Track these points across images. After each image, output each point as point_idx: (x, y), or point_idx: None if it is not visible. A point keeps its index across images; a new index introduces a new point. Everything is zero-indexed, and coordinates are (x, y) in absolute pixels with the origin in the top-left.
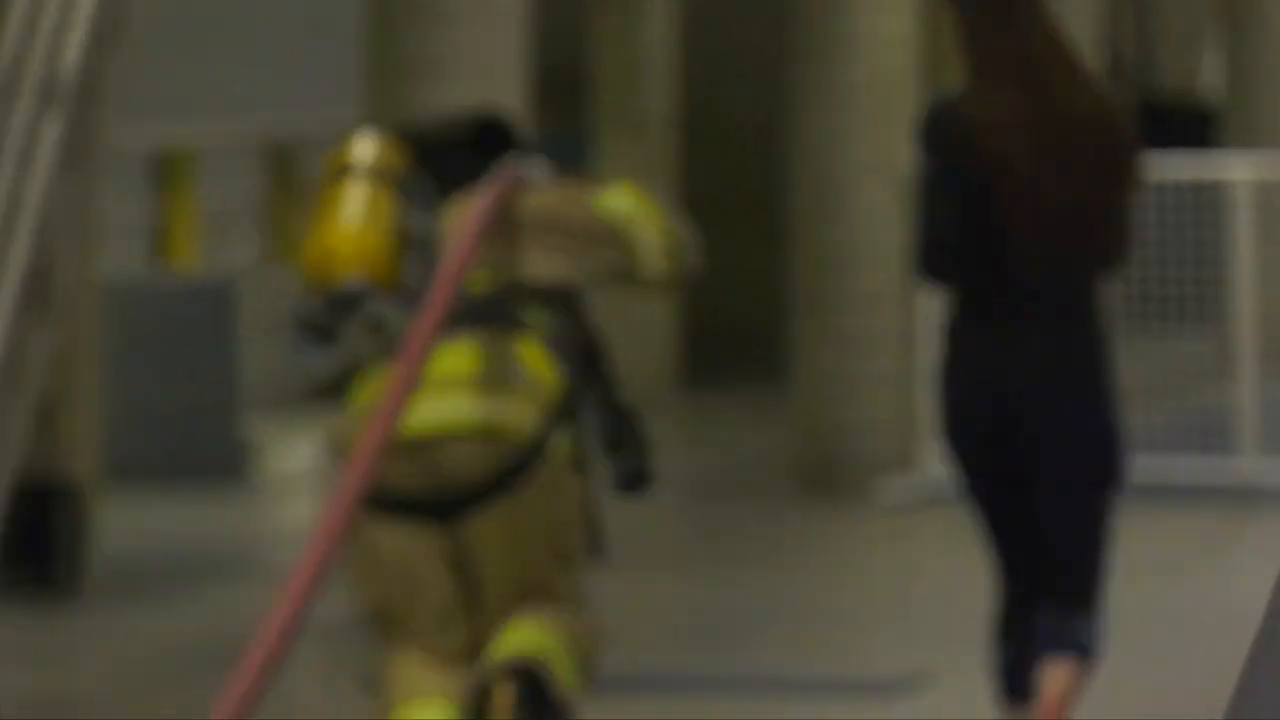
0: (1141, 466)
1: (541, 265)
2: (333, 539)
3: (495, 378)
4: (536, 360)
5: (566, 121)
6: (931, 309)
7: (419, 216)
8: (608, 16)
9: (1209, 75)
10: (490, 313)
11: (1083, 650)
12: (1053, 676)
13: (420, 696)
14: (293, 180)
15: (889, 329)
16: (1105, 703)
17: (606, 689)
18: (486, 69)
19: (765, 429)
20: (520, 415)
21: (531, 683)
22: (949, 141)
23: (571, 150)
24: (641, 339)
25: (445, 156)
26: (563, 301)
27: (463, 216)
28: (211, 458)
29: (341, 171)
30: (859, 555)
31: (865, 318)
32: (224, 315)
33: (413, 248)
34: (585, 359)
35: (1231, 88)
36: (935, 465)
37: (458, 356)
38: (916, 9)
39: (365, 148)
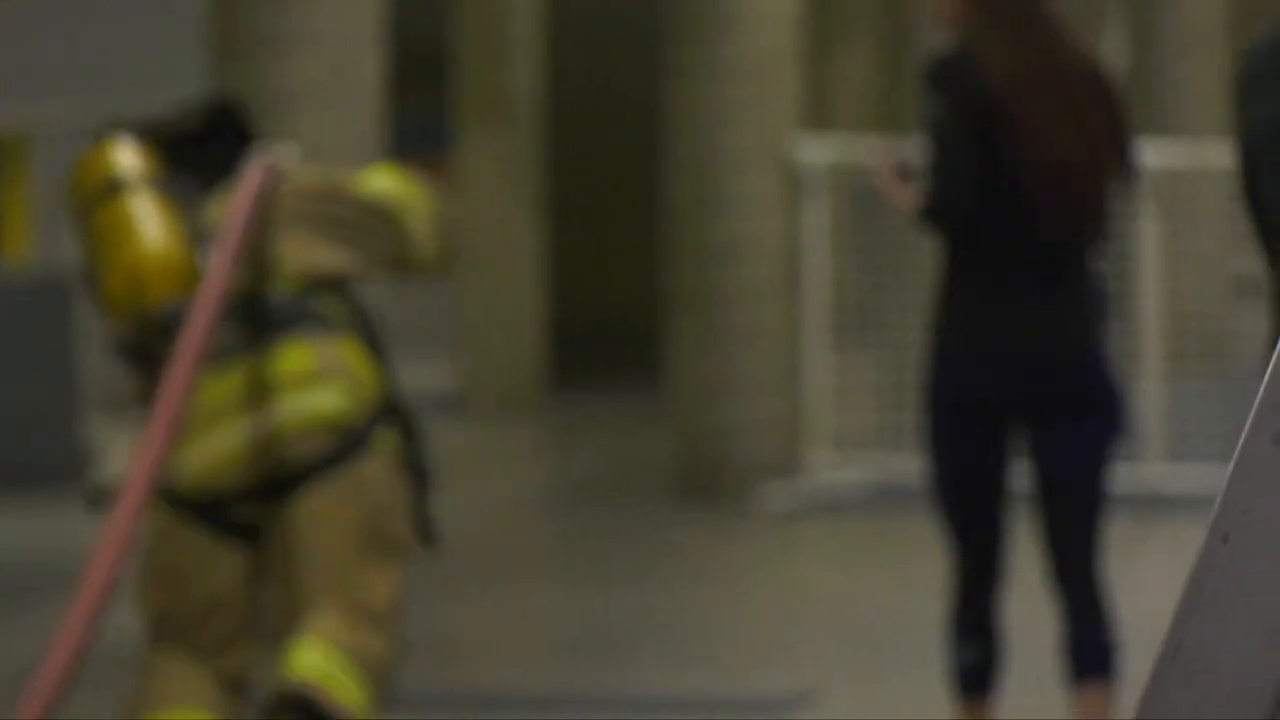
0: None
1: (323, 255)
2: (118, 554)
3: (333, 368)
4: (355, 357)
5: (427, 101)
6: (816, 305)
7: (195, 215)
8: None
9: (1109, 54)
10: (302, 311)
11: (1113, 669)
12: (1094, 702)
13: (177, 701)
14: None
15: (773, 327)
16: (1014, 712)
17: (477, 707)
18: (341, 44)
19: (643, 433)
20: (343, 406)
21: (310, 712)
22: (962, 90)
23: (432, 131)
24: (509, 337)
25: (183, 151)
26: (344, 290)
27: (223, 213)
28: (49, 463)
29: (108, 186)
30: (742, 565)
31: (748, 314)
32: (61, 311)
33: (201, 246)
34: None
35: (1134, 69)
36: (822, 470)
37: (297, 354)
38: None
39: (126, 156)
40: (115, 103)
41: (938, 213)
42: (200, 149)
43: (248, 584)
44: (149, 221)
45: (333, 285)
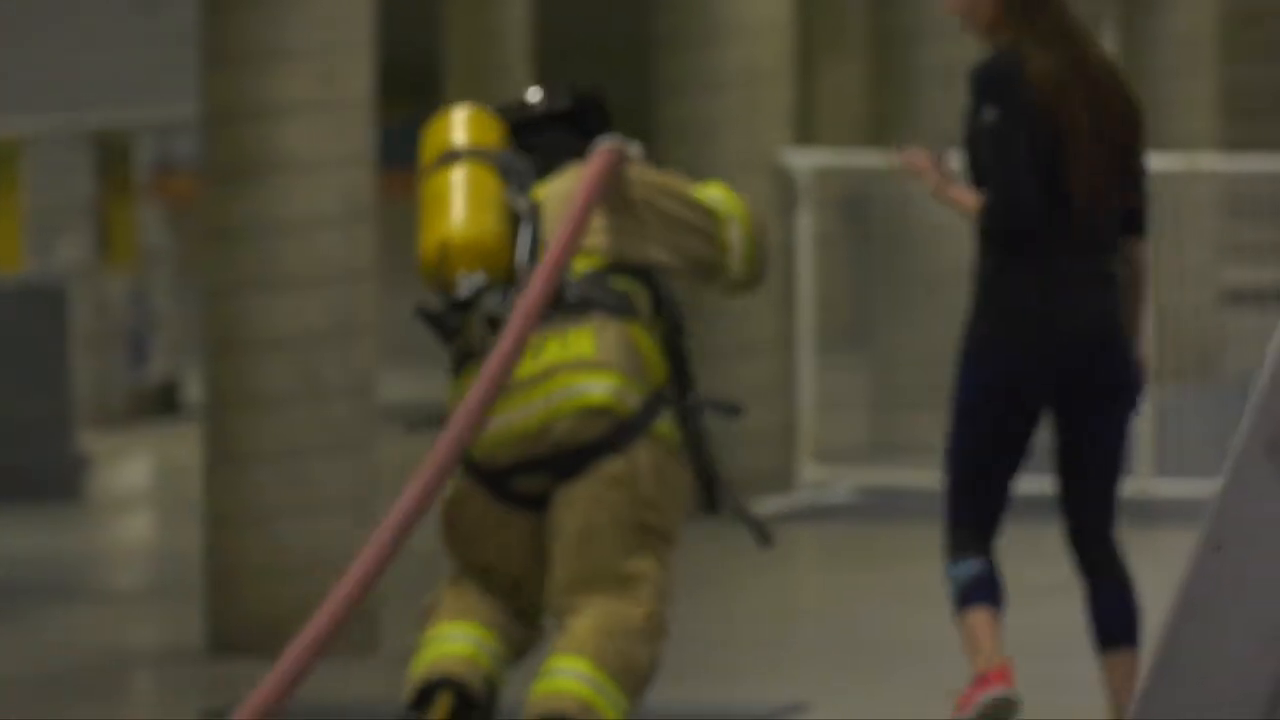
0: (1028, 482)
1: (639, 244)
2: (422, 506)
3: (610, 358)
4: (643, 344)
5: (418, 114)
6: (807, 318)
7: (520, 195)
8: (460, 2)
9: None
10: (600, 295)
11: (1139, 633)
12: (1125, 672)
13: (464, 616)
14: (126, 176)
15: (765, 337)
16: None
17: None
18: (332, 56)
19: None
20: (611, 396)
21: None
22: (1016, 96)
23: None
24: None
25: (539, 132)
26: (650, 277)
27: (569, 190)
28: (43, 474)
29: (441, 155)
30: (733, 575)
31: (739, 326)
32: (56, 318)
33: (520, 228)
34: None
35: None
36: (813, 480)
37: (576, 341)
38: None
39: (462, 127)
40: (106, 114)
41: (1008, 216)
42: (554, 133)
43: (535, 552)
44: (465, 197)
45: (638, 270)
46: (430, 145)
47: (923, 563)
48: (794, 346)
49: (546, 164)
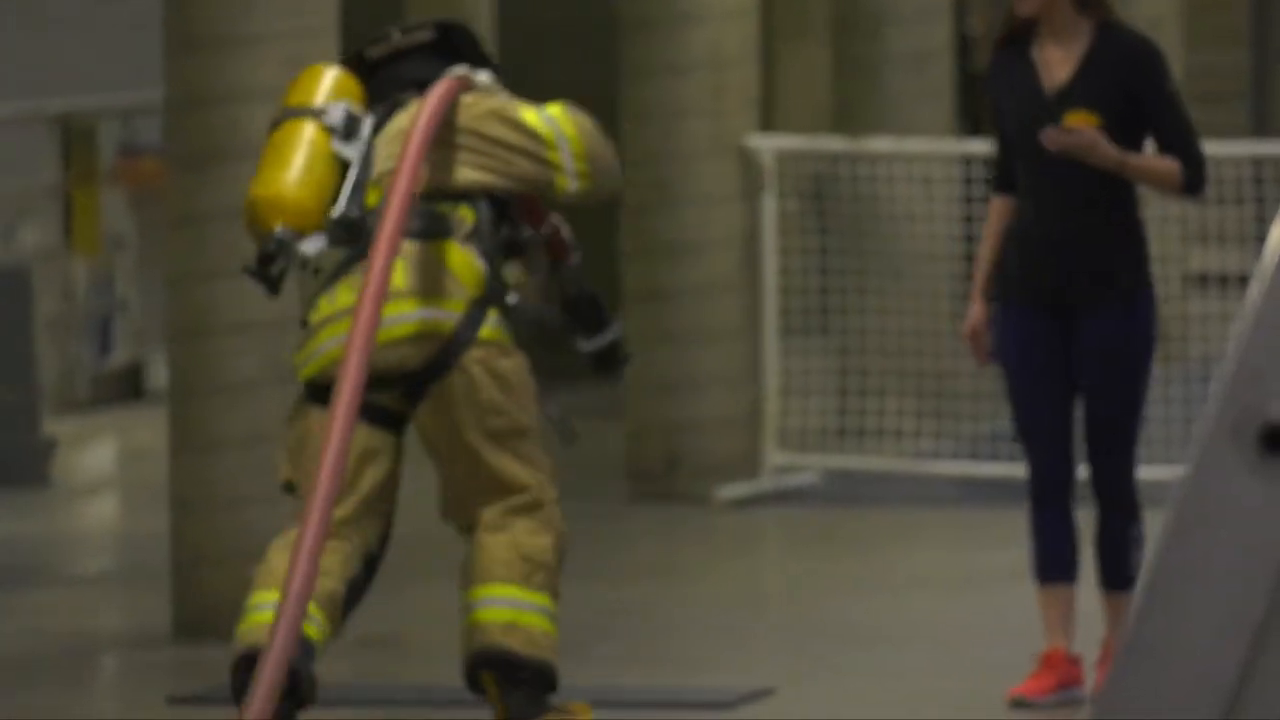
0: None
1: (464, 170)
2: (340, 453)
3: (424, 283)
4: (458, 259)
5: None
6: (772, 303)
7: (346, 143)
8: None
9: None
10: (421, 223)
11: (1133, 579)
12: (1116, 611)
13: (275, 585)
14: (91, 161)
15: (730, 322)
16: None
17: (427, 704)
18: (296, 40)
19: (599, 429)
20: (440, 312)
21: (508, 664)
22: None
23: None
24: None
25: (407, 59)
26: (486, 199)
27: (403, 125)
28: (9, 459)
29: (283, 112)
30: (698, 562)
31: (705, 310)
32: (20, 306)
33: (348, 173)
34: (515, 247)
35: None
36: (779, 466)
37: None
38: None
39: (304, 86)
40: (71, 99)
41: (1205, 176)
42: (418, 61)
43: (370, 468)
44: (272, 157)
45: (470, 195)
46: (285, 98)
47: (889, 548)
48: (759, 331)
49: (405, 87)
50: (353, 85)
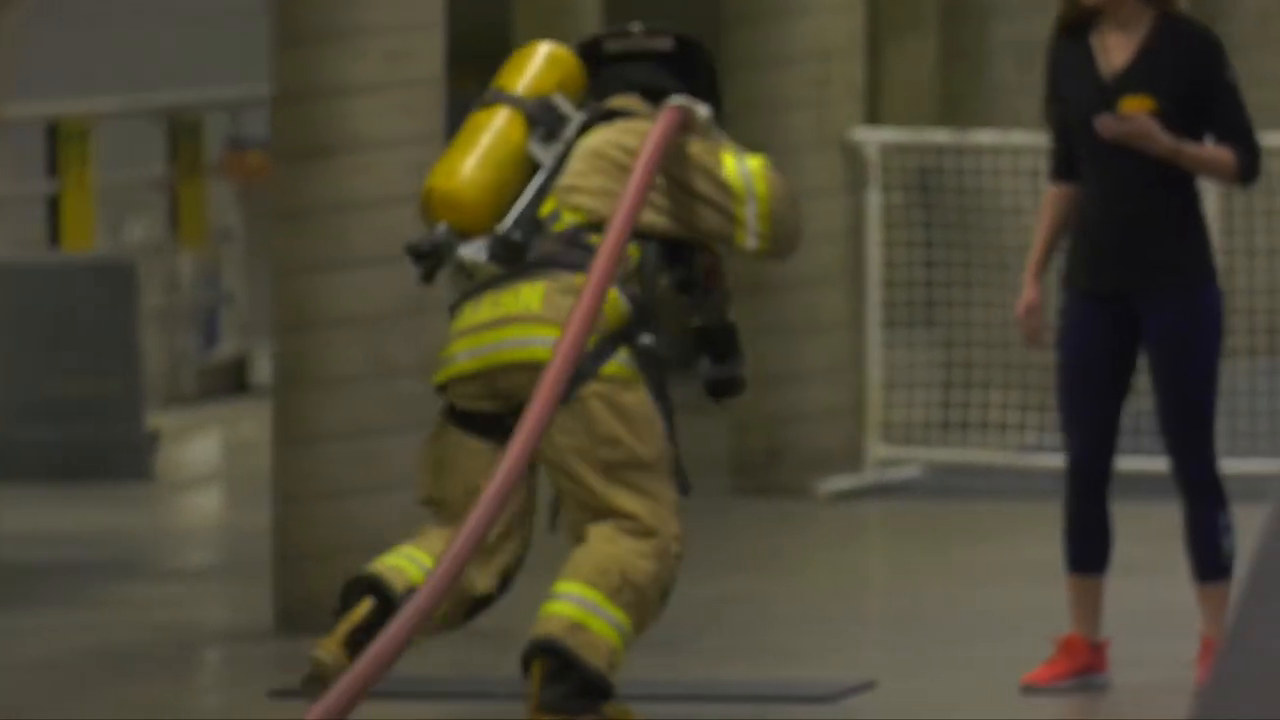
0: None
1: (647, 211)
2: (504, 497)
3: (558, 312)
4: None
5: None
6: (876, 295)
7: (544, 143)
8: None
9: None
10: (564, 252)
11: (1227, 567)
12: (1214, 597)
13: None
14: (197, 154)
15: (835, 314)
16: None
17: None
18: (402, 32)
19: (703, 422)
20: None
21: (560, 659)
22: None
23: None
24: None
25: (637, 61)
26: (657, 241)
27: (603, 142)
28: (114, 452)
29: (491, 94)
30: (801, 554)
31: (809, 302)
32: (126, 299)
33: (536, 175)
34: (686, 285)
35: None
36: (882, 459)
37: (529, 294)
38: None
39: (519, 68)
40: (174, 95)
41: (1260, 167)
42: (652, 71)
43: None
44: (466, 146)
45: (636, 234)
46: (499, 77)
47: (992, 541)
48: (863, 324)
49: (621, 89)
50: (567, 71)
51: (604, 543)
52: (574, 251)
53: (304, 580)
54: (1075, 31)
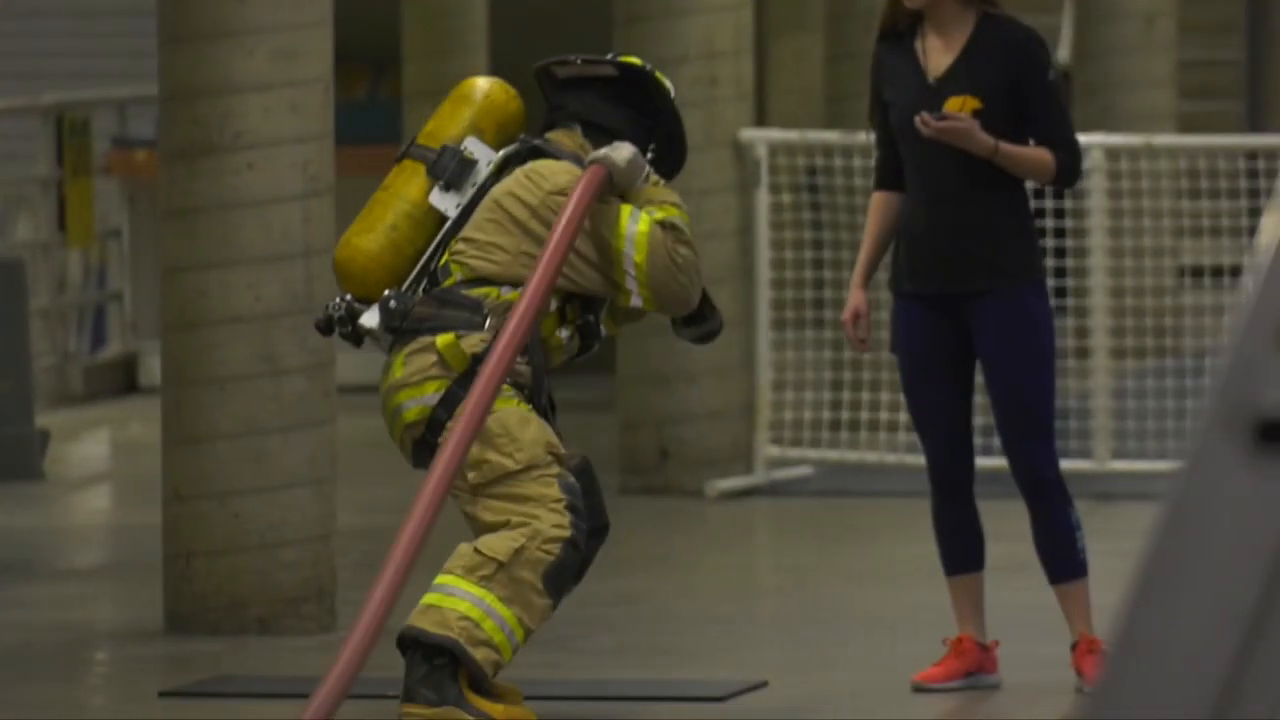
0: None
1: (510, 269)
2: (420, 536)
3: (410, 373)
4: (442, 340)
5: (376, 88)
6: (765, 295)
7: (446, 194)
8: None
9: (1061, 39)
10: (432, 316)
11: (1083, 564)
12: (1070, 595)
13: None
14: (84, 153)
15: (724, 314)
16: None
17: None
18: (291, 35)
19: (590, 421)
20: (427, 396)
21: (413, 643)
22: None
23: (381, 120)
24: None
25: (579, 88)
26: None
27: (505, 191)
28: (3, 452)
29: (408, 149)
30: (692, 554)
31: None
32: (13, 298)
33: (436, 226)
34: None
35: (1082, 56)
36: (772, 458)
37: (398, 364)
38: None
39: (443, 112)
40: (61, 93)
41: (1079, 168)
42: (590, 95)
43: None
44: (367, 211)
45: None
46: (433, 123)
47: (881, 540)
48: (752, 324)
49: (568, 118)
50: (500, 113)
51: (475, 543)
52: (443, 312)
53: (194, 580)
54: (898, 36)
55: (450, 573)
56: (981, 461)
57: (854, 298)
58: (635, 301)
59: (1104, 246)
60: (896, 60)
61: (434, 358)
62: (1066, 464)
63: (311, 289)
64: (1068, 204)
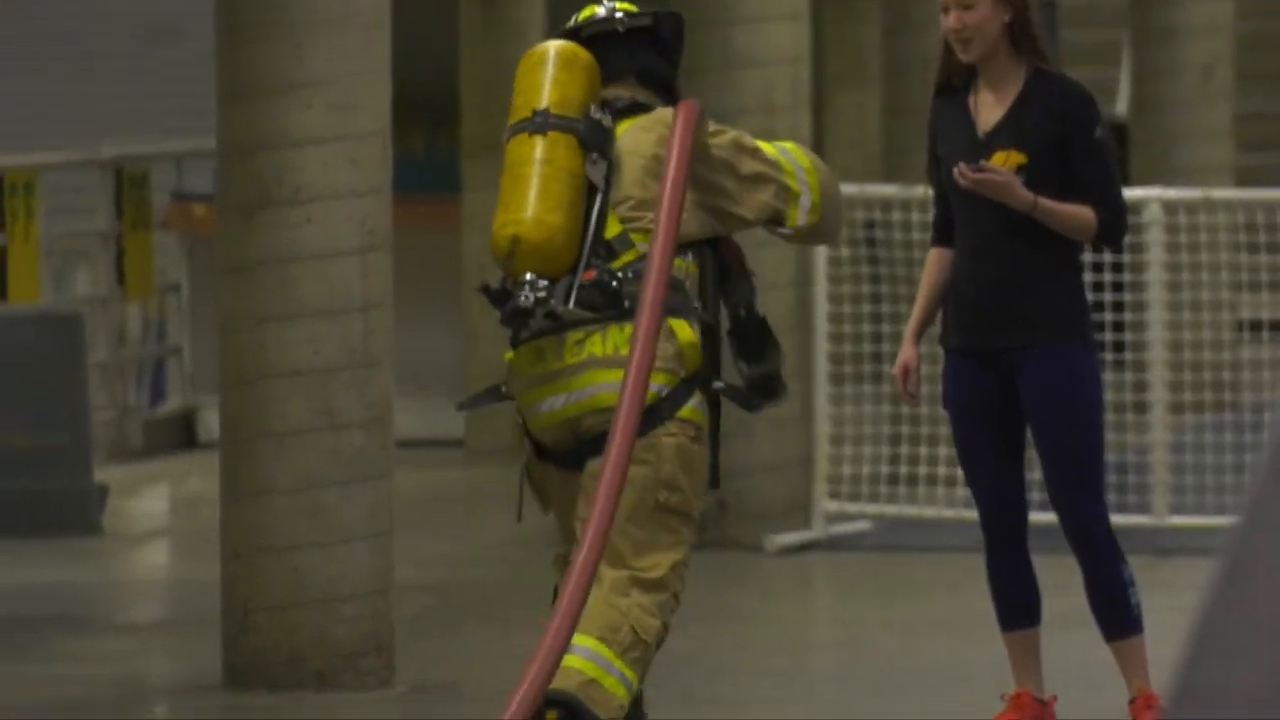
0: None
1: (697, 213)
2: (619, 474)
3: (620, 361)
4: (684, 335)
5: (434, 142)
6: (824, 349)
7: (597, 162)
8: (473, 34)
9: (1121, 93)
10: (638, 292)
11: (1137, 621)
12: (1126, 650)
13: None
14: (143, 208)
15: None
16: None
17: None
18: (348, 89)
19: None
20: (653, 384)
21: (573, 713)
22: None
23: (441, 171)
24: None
25: (617, 43)
26: (704, 259)
27: (641, 144)
28: (61, 505)
29: (528, 117)
30: (750, 606)
31: None
32: (73, 351)
33: (595, 197)
34: (722, 276)
35: (1141, 110)
36: (830, 512)
37: (615, 336)
38: (805, 27)
39: (551, 82)
40: (120, 147)
41: (1124, 226)
42: (631, 48)
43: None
44: (541, 186)
45: (693, 245)
46: (520, 96)
47: (938, 594)
48: (810, 378)
49: (617, 75)
50: (589, 70)
51: (617, 595)
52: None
53: (252, 634)
54: (953, 90)
55: (606, 644)
56: (1037, 516)
57: (905, 352)
58: (803, 218)
59: (1162, 300)
60: (950, 114)
61: (672, 349)
62: (1124, 519)
63: (369, 343)
64: (1126, 258)
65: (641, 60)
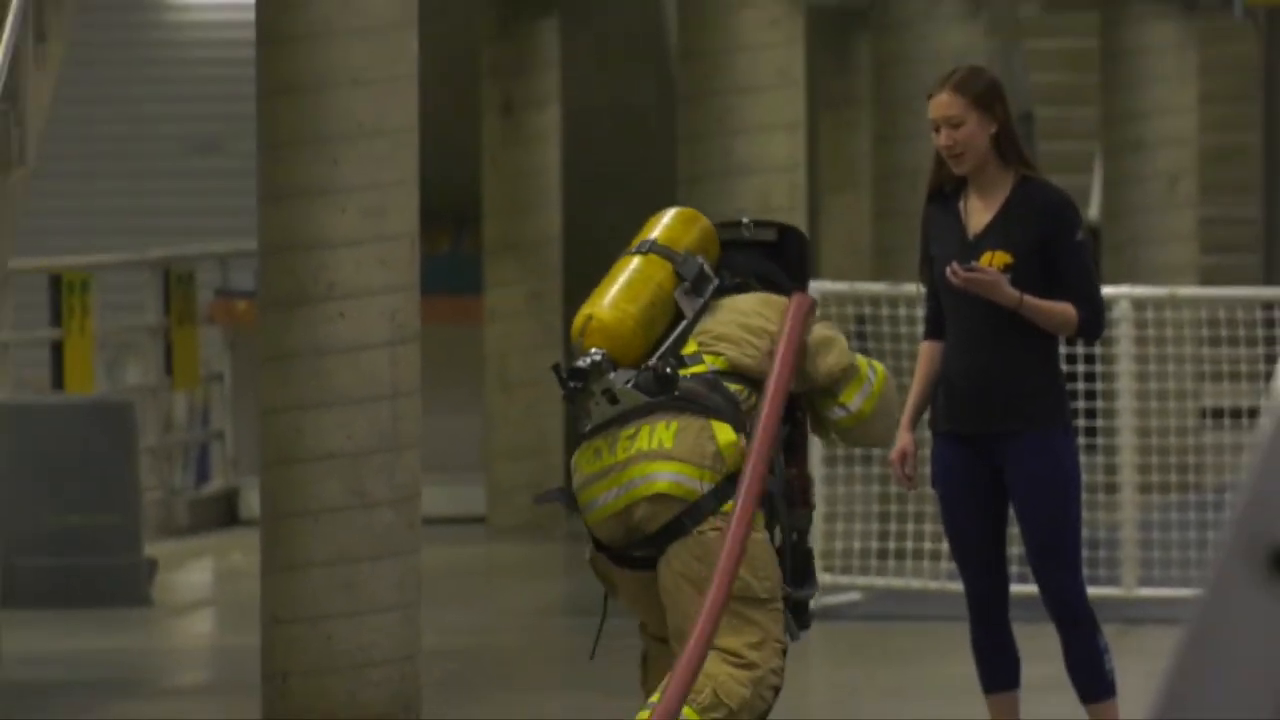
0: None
1: (758, 361)
2: (735, 556)
3: (689, 452)
4: (726, 437)
5: (459, 243)
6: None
7: (690, 296)
8: (497, 143)
9: (1093, 196)
10: (705, 394)
11: (1111, 685)
12: (1101, 712)
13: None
14: (189, 303)
15: None
16: None
17: None
18: (380, 194)
19: None
20: (691, 479)
21: None
22: None
23: (465, 270)
24: (534, 458)
25: (743, 249)
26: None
27: (750, 307)
28: (113, 579)
29: (638, 243)
30: None
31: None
32: (124, 437)
33: (680, 324)
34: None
35: (1111, 211)
36: (824, 585)
37: (662, 431)
38: (801, 137)
39: (665, 224)
40: (168, 249)
41: (1102, 322)
42: (754, 256)
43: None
44: (626, 284)
45: (752, 378)
46: (640, 232)
47: (926, 660)
48: (806, 459)
49: (740, 279)
50: (707, 235)
51: (710, 664)
52: (713, 395)
53: (289, 698)
54: (945, 197)
55: (689, 705)
56: (1018, 588)
57: (902, 439)
58: (856, 403)
59: (1131, 390)
60: (942, 218)
61: (713, 448)
62: (1097, 590)
63: (398, 428)
64: (1098, 350)
65: (761, 266)
